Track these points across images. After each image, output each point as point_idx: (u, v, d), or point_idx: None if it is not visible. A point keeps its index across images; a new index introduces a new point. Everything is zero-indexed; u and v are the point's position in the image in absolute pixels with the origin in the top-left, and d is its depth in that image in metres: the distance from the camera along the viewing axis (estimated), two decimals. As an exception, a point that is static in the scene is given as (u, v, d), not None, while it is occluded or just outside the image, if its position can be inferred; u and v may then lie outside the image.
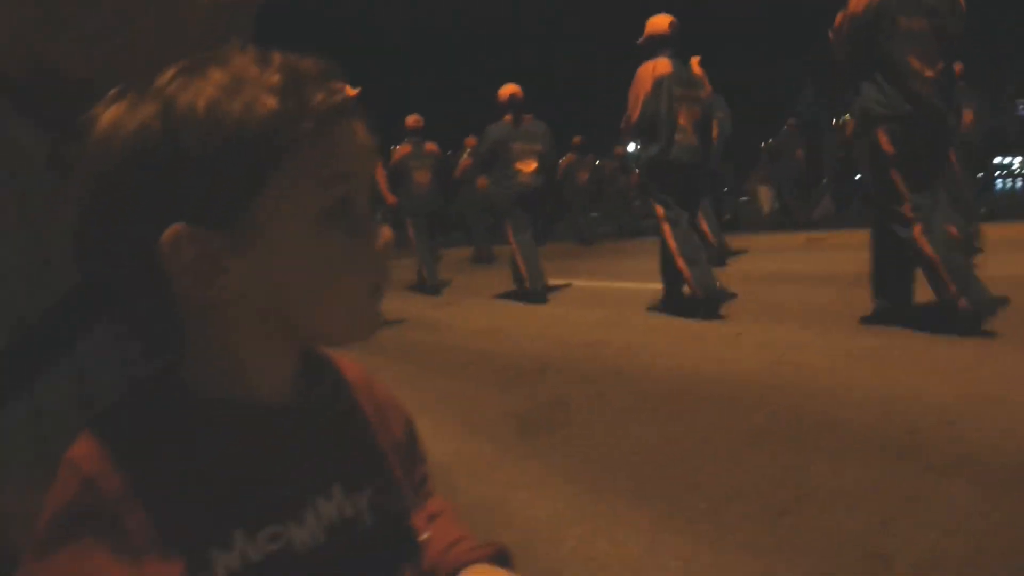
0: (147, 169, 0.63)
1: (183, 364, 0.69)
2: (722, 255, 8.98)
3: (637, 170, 6.27)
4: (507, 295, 8.45)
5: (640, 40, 6.35)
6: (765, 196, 17.58)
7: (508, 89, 8.14)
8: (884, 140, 4.62)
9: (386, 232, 0.71)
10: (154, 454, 0.63)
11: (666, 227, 6.10)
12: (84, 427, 0.64)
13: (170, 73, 0.65)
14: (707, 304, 5.86)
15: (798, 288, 6.54)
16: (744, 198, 20.50)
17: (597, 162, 18.36)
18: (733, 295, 6.11)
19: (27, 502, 0.66)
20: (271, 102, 0.62)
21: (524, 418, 3.69)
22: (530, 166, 7.91)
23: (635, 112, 6.12)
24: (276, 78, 0.64)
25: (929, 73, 4.54)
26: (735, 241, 9.81)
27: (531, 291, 7.82)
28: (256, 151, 0.62)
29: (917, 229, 4.50)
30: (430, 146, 9.77)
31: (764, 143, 18.59)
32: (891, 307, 4.89)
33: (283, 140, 0.63)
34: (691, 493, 2.60)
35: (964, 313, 4.36)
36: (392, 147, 9.62)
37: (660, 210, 6.17)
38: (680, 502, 2.53)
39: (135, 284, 0.66)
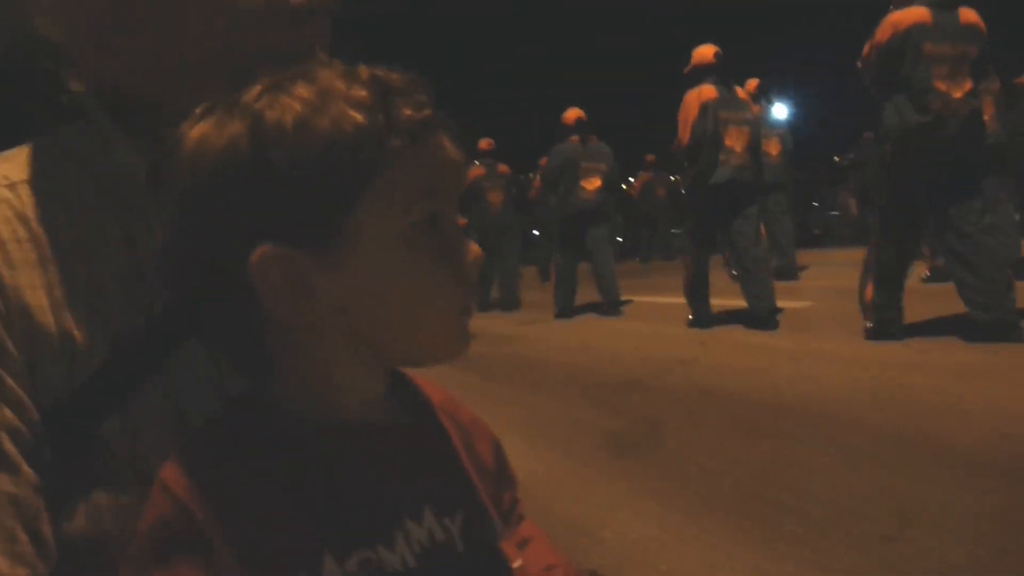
0: (235, 187, 0.62)
1: (273, 383, 0.69)
2: (792, 270, 9.51)
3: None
4: (588, 312, 8.41)
5: (686, 69, 6.74)
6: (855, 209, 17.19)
7: (574, 113, 8.78)
8: (895, 157, 4.96)
9: (475, 248, 0.69)
10: (245, 476, 0.62)
11: (691, 250, 6.70)
12: (176, 446, 0.64)
13: (257, 89, 0.64)
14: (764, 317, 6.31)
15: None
16: (834, 212, 20.06)
17: (672, 178, 18.43)
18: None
19: (123, 519, 0.67)
20: (359, 118, 0.61)
21: (615, 437, 3.65)
22: (594, 183, 8.48)
23: (685, 135, 6.53)
24: (363, 93, 0.63)
25: (957, 94, 4.74)
26: (827, 256, 9.56)
27: (558, 312, 8.63)
28: (345, 168, 0.61)
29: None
30: (502, 168, 10.34)
31: (839, 157, 18.67)
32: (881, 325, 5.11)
33: (372, 156, 0.62)
34: (790, 517, 2.52)
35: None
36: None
37: (691, 231, 6.79)
38: (779, 527, 2.46)
39: (222, 303, 0.66)
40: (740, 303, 7.04)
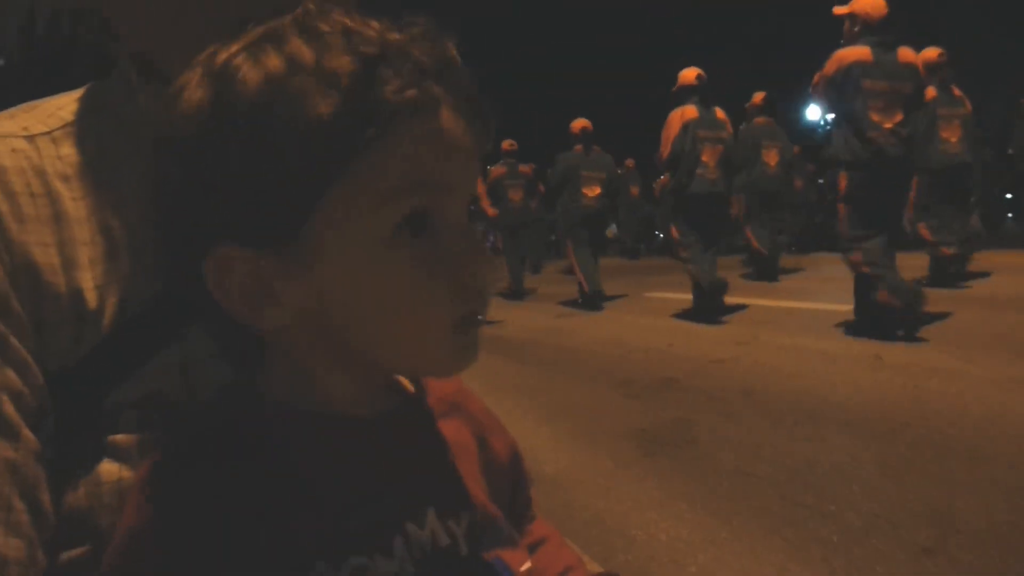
0: (196, 169, 0.55)
1: (259, 372, 0.63)
2: (773, 272, 10.30)
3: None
4: (625, 308, 8.34)
5: (674, 88, 7.43)
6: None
7: (579, 123, 9.32)
8: (843, 182, 5.55)
9: (483, 252, 0.59)
10: (231, 476, 0.57)
11: (680, 250, 7.30)
12: (160, 442, 0.61)
13: (234, 47, 0.55)
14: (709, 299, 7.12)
15: (941, 310, 6.17)
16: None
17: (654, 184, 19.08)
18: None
19: (124, 495, 0.63)
20: (323, 105, 0.51)
21: (647, 435, 3.59)
22: (595, 190, 9.12)
23: (665, 150, 7.29)
24: (339, 63, 0.52)
25: (888, 125, 5.38)
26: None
27: (589, 295, 8.93)
28: (305, 162, 0.52)
29: (857, 255, 5.49)
30: (524, 168, 10.73)
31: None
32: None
33: (337, 151, 0.52)
34: (824, 524, 2.45)
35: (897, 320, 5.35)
36: (487, 167, 10.45)
37: (675, 233, 7.36)
38: (812, 533, 2.39)
39: (196, 294, 0.59)
40: (781, 304, 6.94)
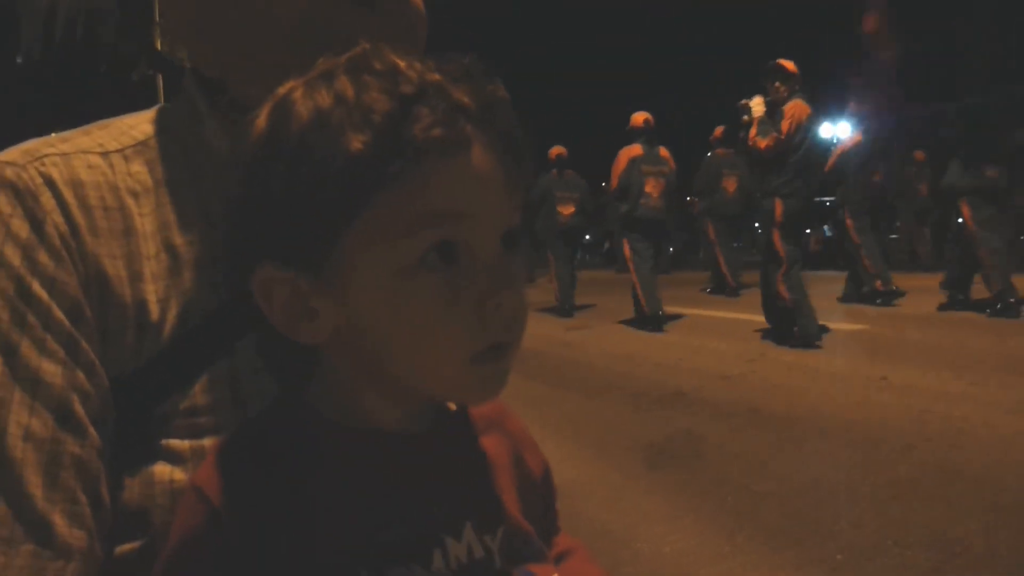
0: (251, 192, 0.60)
1: (308, 387, 0.67)
2: (735, 290, 11.63)
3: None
4: (635, 322, 8.36)
5: (627, 128, 8.84)
6: (921, 235, 16.86)
7: (555, 150, 10.70)
8: (778, 209, 6.56)
9: (510, 284, 0.60)
10: (279, 484, 0.60)
11: (630, 264, 8.50)
12: (213, 450, 0.63)
13: (298, 82, 0.60)
14: (651, 321, 8.28)
15: (952, 332, 6.20)
16: (893, 236, 19.69)
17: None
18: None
19: (175, 496, 0.67)
20: (356, 140, 0.55)
21: (655, 448, 3.62)
22: (568, 209, 10.46)
23: (613, 182, 8.69)
24: (375, 101, 0.56)
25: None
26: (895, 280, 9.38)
27: (561, 308, 10.20)
28: (336, 193, 0.56)
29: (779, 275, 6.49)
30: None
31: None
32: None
33: (366, 182, 0.55)
34: (829, 543, 2.48)
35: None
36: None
37: (627, 249, 8.53)
38: (816, 552, 2.42)
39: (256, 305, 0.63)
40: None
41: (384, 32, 0.75)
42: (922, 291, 8.49)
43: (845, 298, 9.02)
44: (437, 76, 0.58)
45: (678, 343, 7.16)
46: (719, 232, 11.86)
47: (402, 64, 0.59)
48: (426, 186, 0.57)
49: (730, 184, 11.75)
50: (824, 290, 9.07)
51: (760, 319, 7.15)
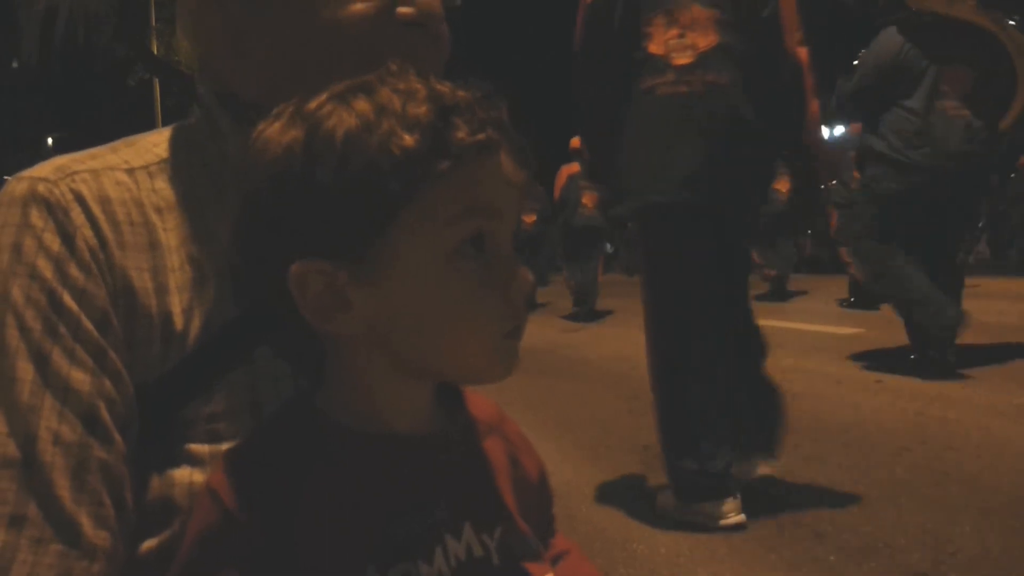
0: (285, 195, 0.64)
1: (320, 391, 0.70)
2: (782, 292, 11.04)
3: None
4: (632, 324, 8.38)
5: (569, 150, 9.52)
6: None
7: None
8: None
9: (525, 274, 0.68)
10: (292, 486, 0.64)
11: (565, 266, 10.07)
12: (226, 453, 0.67)
13: (323, 97, 0.65)
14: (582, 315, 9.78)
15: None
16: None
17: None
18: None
19: (193, 498, 0.70)
20: (407, 140, 0.61)
21: (651, 450, 3.62)
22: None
23: (556, 195, 9.89)
24: (420, 111, 0.62)
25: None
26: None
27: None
28: (386, 189, 0.61)
29: None
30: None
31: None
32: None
33: (415, 178, 0.61)
34: (821, 544, 2.50)
35: None
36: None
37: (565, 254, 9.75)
38: (810, 552, 2.45)
39: (278, 306, 0.67)
40: (787, 325, 6.98)
41: (428, 53, 0.81)
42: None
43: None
44: (464, 93, 0.66)
45: (674, 346, 7.17)
46: None
47: (432, 82, 0.66)
48: (467, 184, 0.64)
49: None
50: (823, 294, 9.09)
51: (761, 322, 7.15)
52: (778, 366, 5.73)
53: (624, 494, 3.12)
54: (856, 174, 5.92)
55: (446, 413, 0.75)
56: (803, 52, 2.79)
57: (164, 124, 0.91)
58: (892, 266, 4.91)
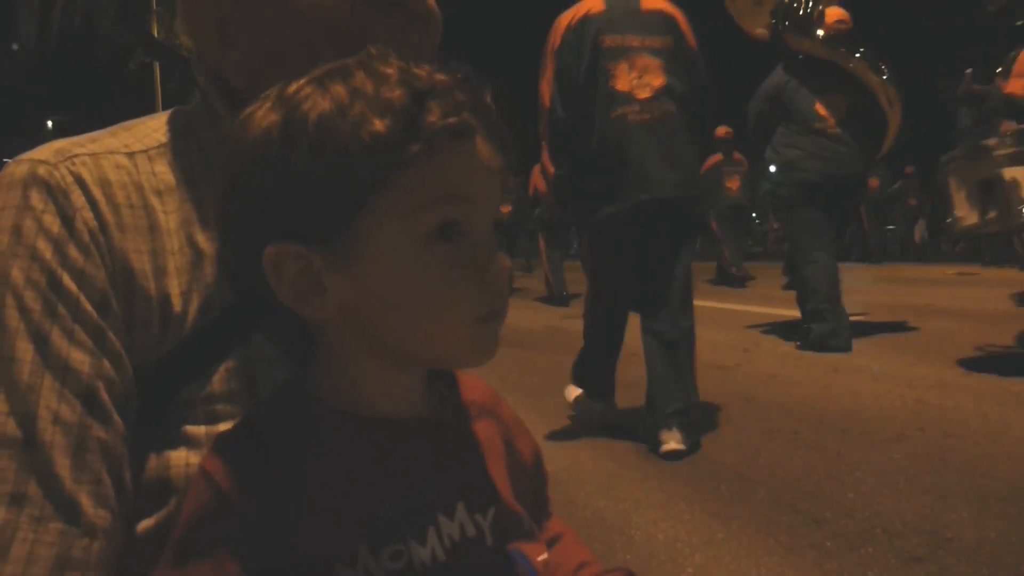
0: (262, 179, 0.64)
1: (310, 375, 0.71)
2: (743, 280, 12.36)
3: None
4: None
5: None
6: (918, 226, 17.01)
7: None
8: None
9: (503, 260, 0.68)
10: (284, 467, 0.64)
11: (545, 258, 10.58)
12: (219, 436, 0.67)
13: (303, 80, 0.65)
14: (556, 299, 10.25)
15: (945, 324, 6.23)
16: (891, 227, 19.71)
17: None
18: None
19: (190, 478, 0.71)
20: (378, 125, 0.61)
21: (650, 437, 3.65)
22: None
23: (530, 190, 10.23)
24: (394, 95, 0.62)
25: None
26: (883, 272, 9.42)
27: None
28: (358, 173, 0.61)
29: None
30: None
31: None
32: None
33: (385, 163, 0.61)
34: (820, 529, 2.51)
35: None
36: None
37: (542, 244, 10.30)
38: (807, 538, 2.45)
39: (263, 290, 0.67)
40: (785, 312, 6.99)
41: (413, 32, 0.80)
42: (911, 283, 8.53)
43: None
44: (442, 76, 0.65)
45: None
46: (725, 229, 12.52)
47: (411, 66, 0.65)
48: (439, 169, 0.63)
49: (734, 183, 12.26)
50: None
51: (755, 310, 7.18)
52: (775, 352, 5.77)
53: (623, 480, 3.13)
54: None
55: (438, 396, 0.76)
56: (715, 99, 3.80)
57: (165, 108, 0.91)
58: (815, 258, 5.87)
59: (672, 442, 3.37)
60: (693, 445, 3.45)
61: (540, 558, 0.74)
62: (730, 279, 12.30)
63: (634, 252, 3.67)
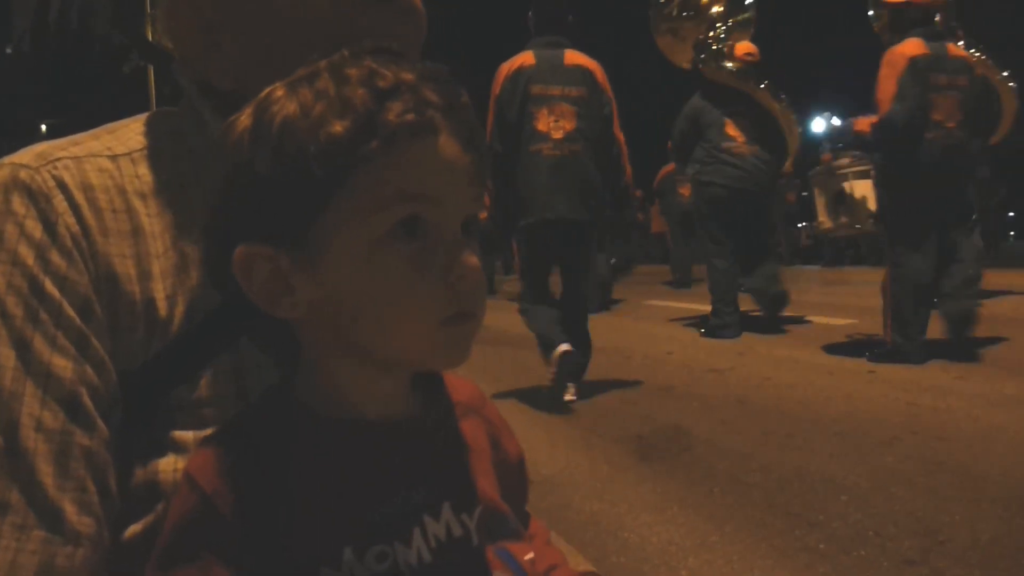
0: (235, 182, 0.65)
1: (294, 379, 0.71)
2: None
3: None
4: (625, 315, 8.40)
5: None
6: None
7: None
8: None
9: (470, 260, 0.66)
10: (267, 471, 0.64)
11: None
12: (204, 440, 0.67)
13: (279, 85, 0.65)
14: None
15: (940, 326, 6.22)
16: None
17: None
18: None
19: (178, 483, 0.70)
20: (337, 125, 0.61)
21: (644, 440, 3.66)
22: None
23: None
24: (353, 94, 0.62)
25: None
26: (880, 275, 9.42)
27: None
28: (315, 173, 0.61)
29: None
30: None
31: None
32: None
33: (342, 163, 0.61)
34: (813, 532, 2.51)
35: None
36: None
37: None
38: (801, 541, 2.46)
39: (244, 295, 0.67)
40: (782, 316, 7.00)
41: (398, 29, 0.80)
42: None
43: None
44: (410, 75, 0.64)
45: (668, 337, 7.20)
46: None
47: (379, 66, 0.64)
48: (398, 167, 0.63)
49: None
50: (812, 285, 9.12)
51: (757, 313, 7.19)
52: (770, 356, 5.78)
53: (617, 483, 3.13)
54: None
55: (424, 397, 0.75)
56: (621, 136, 4.79)
57: (156, 111, 0.91)
58: (715, 264, 6.88)
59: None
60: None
61: (527, 557, 0.74)
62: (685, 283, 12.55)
63: (549, 255, 4.80)
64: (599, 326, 8.14)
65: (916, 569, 2.23)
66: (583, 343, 4.74)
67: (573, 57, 4.68)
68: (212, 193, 0.68)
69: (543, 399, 4.50)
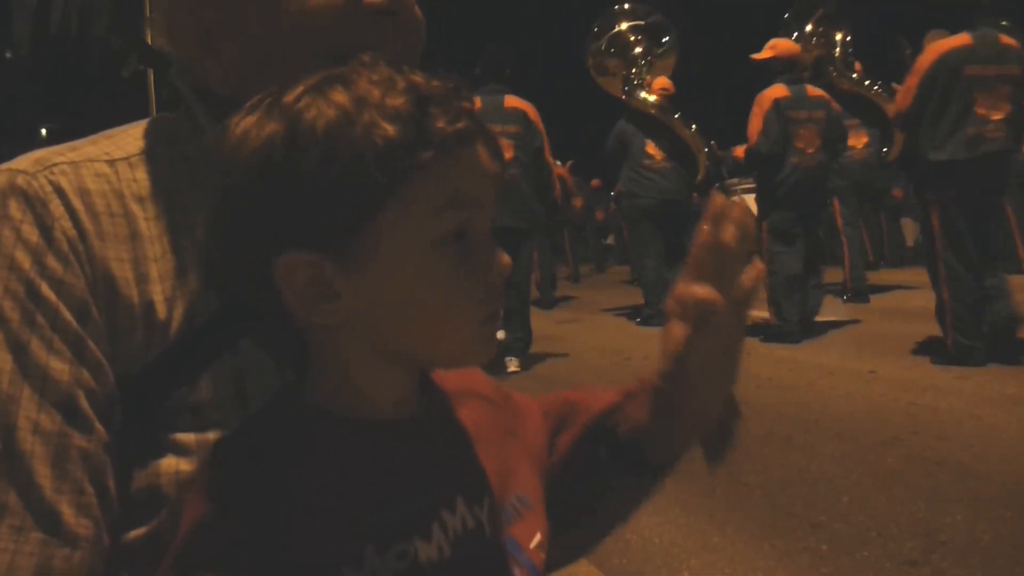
0: (267, 188, 0.63)
1: (306, 381, 0.71)
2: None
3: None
4: (626, 316, 8.40)
5: None
6: (909, 229, 17.00)
7: None
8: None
9: (504, 259, 0.69)
10: (283, 474, 0.64)
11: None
12: (215, 444, 0.67)
13: (299, 89, 0.64)
14: None
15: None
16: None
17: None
18: None
19: (181, 487, 0.70)
20: (390, 130, 0.61)
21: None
22: None
23: None
24: (399, 102, 0.62)
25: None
26: (882, 276, 9.43)
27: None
28: (371, 179, 0.61)
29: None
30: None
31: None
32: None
33: (399, 168, 0.61)
34: (815, 533, 2.52)
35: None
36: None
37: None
38: (803, 542, 2.46)
39: (256, 298, 0.67)
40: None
41: (401, 40, 0.80)
42: (909, 287, 8.55)
43: None
44: (439, 84, 0.66)
45: (669, 337, 7.18)
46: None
47: (407, 73, 0.66)
48: (451, 173, 0.64)
49: None
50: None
51: (754, 314, 7.19)
52: (771, 356, 5.78)
53: (618, 484, 3.13)
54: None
55: (431, 392, 0.76)
56: (551, 160, 6.30)
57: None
58: (645, 264, 8.18)
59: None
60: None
61: (533, 543, 0.75)
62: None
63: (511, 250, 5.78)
64: (599, 327, 8.15)
65: (918, 569, 2.23)
66: (524, 328, 6.10)
67: (511, 101, 6.05)
68: (211, 196, 0.68)
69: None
